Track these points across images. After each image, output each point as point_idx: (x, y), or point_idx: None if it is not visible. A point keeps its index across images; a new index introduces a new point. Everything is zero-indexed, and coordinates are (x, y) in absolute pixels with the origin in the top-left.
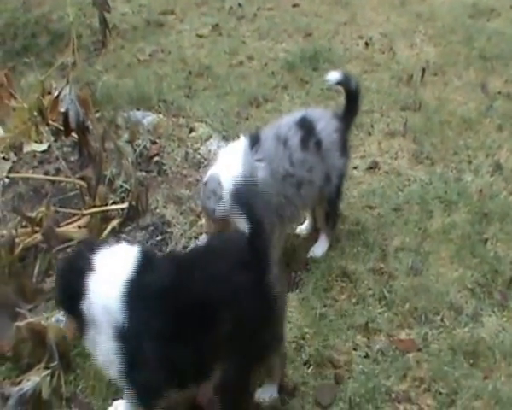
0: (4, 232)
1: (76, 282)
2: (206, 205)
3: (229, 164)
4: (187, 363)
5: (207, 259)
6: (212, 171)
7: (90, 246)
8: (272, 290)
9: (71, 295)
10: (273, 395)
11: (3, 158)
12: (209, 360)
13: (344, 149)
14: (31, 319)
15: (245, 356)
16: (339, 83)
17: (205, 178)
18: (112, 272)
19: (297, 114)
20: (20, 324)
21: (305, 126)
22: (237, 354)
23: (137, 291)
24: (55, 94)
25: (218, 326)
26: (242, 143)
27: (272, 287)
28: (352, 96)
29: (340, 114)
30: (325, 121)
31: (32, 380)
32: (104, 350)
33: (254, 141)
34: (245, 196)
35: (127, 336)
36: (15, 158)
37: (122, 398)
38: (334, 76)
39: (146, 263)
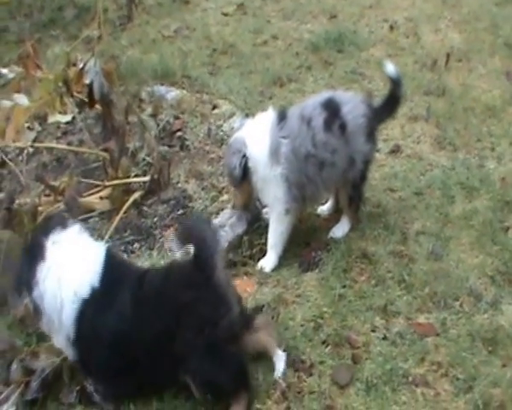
0: (28, 200)
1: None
2: (229, 162)
3: (255, 132)
4: (132, 367)
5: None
6: (238, 133)
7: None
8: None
9: (27, 280)
10: (280, 368)
11: (28, 128)
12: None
13: (370, 135)
14: None
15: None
16: (392, 78)
17: (231, 139)
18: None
19: (324, 95)
20: None
21: (330, 108)
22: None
23: (90, 293)
24: (80, 66)
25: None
26: (270, 116)
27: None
28: (395, 96)
29: (377, 104)
30: (352, 105)
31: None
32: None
33: (281, 117)
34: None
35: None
36: (40, 128)
37: None
38: (392, 68)
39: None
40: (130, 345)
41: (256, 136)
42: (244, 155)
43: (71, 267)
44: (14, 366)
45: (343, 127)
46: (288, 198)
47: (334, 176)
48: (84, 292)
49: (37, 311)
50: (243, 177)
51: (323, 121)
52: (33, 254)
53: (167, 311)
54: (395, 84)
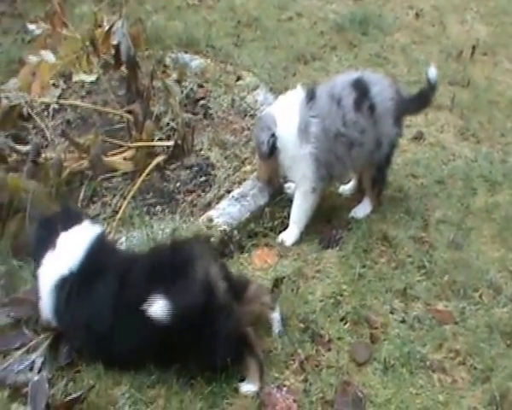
0: (53, 155)
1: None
2: (258, 137)
3: (285, 110)
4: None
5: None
6: (269, 109)
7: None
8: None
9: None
10: (276, 329)
11: (53, 85)
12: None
13: (398, 119)
14: None
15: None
16: (430, 81)
17: (261, 114)
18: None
19: (353, 75)
20: None
21: (360, 88)
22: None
23: (82, 272)
24: (107, 27)
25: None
26: (299, 94)
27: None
28: (426, 98)
29: (408, 95)
30: (381, 87)
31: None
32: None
33: (310, 96)
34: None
35: (63, 309)
36: (64, 86)
37: None
38: (434, 73)
39: (97, 248)
40: (107, 334)
41: (286, 114)
42: (273, 134)
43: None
44: None
45: (372, 108)
46: (315, 177)
47: (362, 156)
48: (64, 275)
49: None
50: (270, 154)
51: (353, 101)
52: (46, 238)
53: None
54: (431, 88)
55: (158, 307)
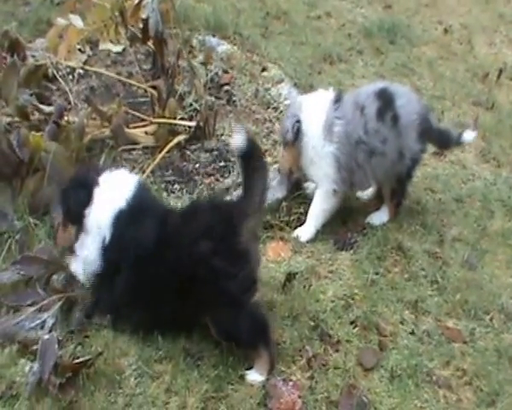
0: (76, 119)
1: (84, 194)
2: (283, 123)
3: (314, 104)
4: (155, 301)
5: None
6: (298, 98)
7: (96, 168)
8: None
9: (78, 203)
10: None
11: (79, 50)
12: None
13: (422, 135)
14: None
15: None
16: (462, 139)
17: (289, 101)
18: (110, 193)
19: (378, 85)
20: None
21: (384, 98)
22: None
23: (126, 216)
24: (137, 1)
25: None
26: (329, 95)
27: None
28: (449, 143)
29: (435, 123)
30: (406, 99)
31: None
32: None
33: (337, 99)
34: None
35: (109, 251)
36: (91, 53)
37: None
38: (470, 137)
39: (139, 194)
40: (150, 274)
41: (313, 108)
42: (298, 121)
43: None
44: (55, 278)
45: (395, 119)
46: (337, 178)
47: (383, 166)
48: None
49: (78, 231)
50: (295, 139)
51: (376, 110)
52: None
53: (185, 257)
54: (456, 142)
55: (238, 137)
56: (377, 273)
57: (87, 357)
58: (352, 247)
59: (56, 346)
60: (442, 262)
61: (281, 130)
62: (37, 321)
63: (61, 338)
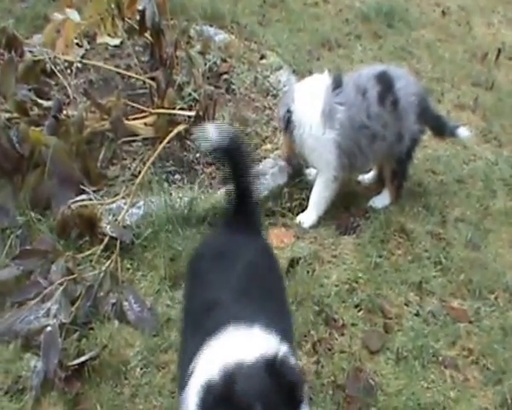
0: (75, 113)
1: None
2: (278, 110)
3: (308, 91)
4: None
5: None
6: (292, 86)
7: None
8: None
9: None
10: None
11: (77, 44)
12: None
13: (420, 117)
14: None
15: None
16: (457, 134)
17: (286, 88)
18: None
19: (378, 68)
20: (72, 205)
21: (384, 82)
22: None
23: None
24: None
25: None
26: (326, 80)
27: None
28: (443, 131)
29: (433, 106)
30: (405, 82)
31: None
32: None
33: (337, 83)
34: None
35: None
36: (88, 47)
37: None
38: (464, 133)
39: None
40: None
41: (308, 95)
42: (289, 110)
43: None
44: (55, 267)
45: (395, 103)
46: (337, 164)
47: (383, 149)
48: None
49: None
50: (285, 128)
51: (377, 94)
52: None
53: None
54: (450, 132)
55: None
56: (381, 256)
57: (92, 353)
58: (355, 231)
59: (59, 340)
60: (445, 243)
61: (278, 111)
62: (42, 311)
63: (65, 321)
